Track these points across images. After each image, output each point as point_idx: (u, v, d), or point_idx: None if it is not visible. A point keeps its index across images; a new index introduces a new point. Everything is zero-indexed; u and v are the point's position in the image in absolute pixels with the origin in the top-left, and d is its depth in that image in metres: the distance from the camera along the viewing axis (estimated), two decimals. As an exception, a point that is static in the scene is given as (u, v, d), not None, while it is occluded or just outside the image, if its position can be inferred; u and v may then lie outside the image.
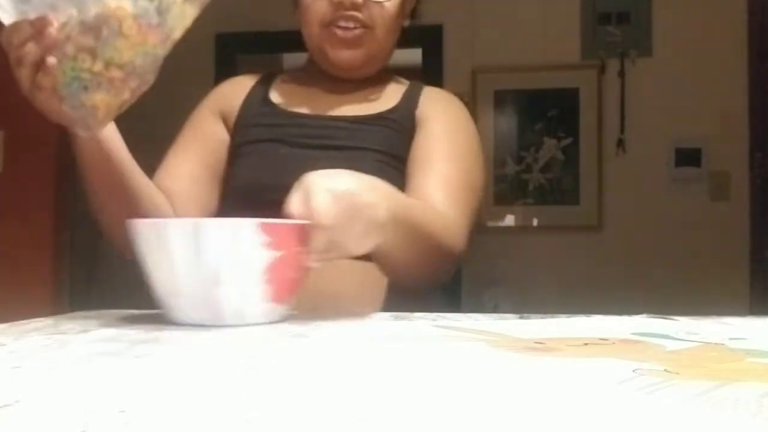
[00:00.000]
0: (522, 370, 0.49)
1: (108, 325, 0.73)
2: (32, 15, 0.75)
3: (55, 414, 0.36)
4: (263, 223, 0.70)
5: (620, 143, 3.25)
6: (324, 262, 0.75)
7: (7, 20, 0.76)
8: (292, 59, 2.26)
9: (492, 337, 0.63)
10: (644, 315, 0.80)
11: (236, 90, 1.19)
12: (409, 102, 1.15)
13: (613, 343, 0.61)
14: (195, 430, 0.33)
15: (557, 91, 3.29)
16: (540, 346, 0.58)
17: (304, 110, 1.15)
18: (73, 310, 0.85)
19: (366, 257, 0.85)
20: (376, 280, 0.98)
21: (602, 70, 3.27)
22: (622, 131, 3.25)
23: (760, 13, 3.13)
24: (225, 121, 1.17)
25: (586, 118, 3.27)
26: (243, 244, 0.70)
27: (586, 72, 3.27)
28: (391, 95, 1.17)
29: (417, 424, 0.34)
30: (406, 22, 1.17)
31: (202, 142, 1.15)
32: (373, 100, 1.16)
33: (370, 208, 0.77)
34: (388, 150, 1.09)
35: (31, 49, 0.75)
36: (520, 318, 0.79)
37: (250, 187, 1.08)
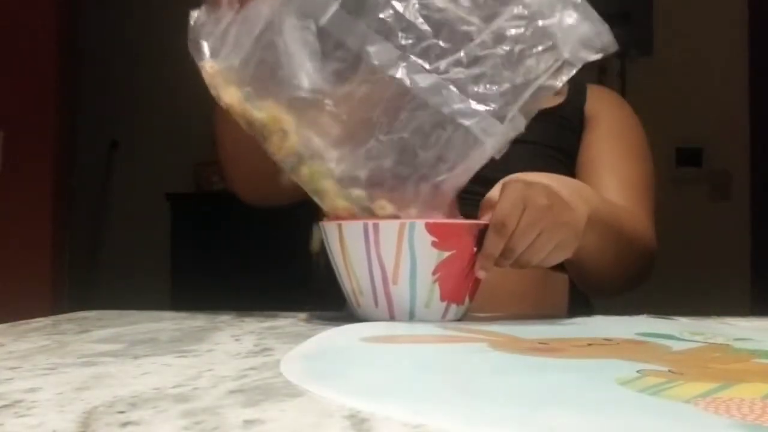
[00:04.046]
0: (525, 370, 0.48)
1: (108, 325, 0.73)
2: None
3: (54, 414, 0.36)
4: (431, 223, 0.71)
5: (621, 143, 3.25)
6: (495, 268, 0.73)
7: None
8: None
9: (495, 337, 0.63)
10: (645, 315, 0.80)
11: None
12: (577, 98, 1.14)
13: (617, 343, 0.60)
14: (194, 430, 0.33)
15: (557, 91, 3.29)
16: (543, 346, 0.58)
17: None
18: (73, 310, 0.85)
19: (557, 266, 0.82)
20: (558, 284, 0.97)
21: (603, 70, 3.27)
22: (622, 131, 3.25)
23: (760, 13, 3.13)
24: None
25: (587, 118, 3.27)
26: (411, 243, 0.70)
27: (586, 71, 3.26)
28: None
29: (418, 424, 0.33)
30: None
31: None
32: None
33: (567, 227, 0.75)
34: (557, 145, 1.08)
35: None
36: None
37: None
